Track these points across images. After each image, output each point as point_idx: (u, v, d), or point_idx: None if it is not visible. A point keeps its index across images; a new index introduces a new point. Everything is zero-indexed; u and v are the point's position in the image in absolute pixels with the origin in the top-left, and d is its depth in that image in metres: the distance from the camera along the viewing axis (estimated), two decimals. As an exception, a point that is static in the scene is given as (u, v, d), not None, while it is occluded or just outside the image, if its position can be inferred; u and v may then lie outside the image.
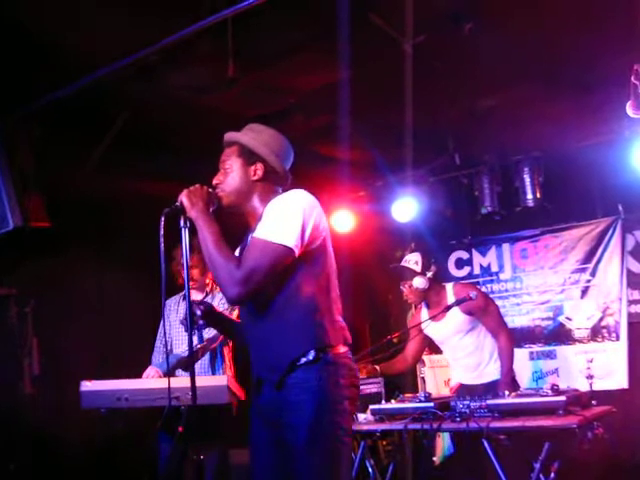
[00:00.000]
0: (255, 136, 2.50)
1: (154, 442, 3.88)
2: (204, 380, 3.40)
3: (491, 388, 4.11)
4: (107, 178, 4.85)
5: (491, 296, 5.15)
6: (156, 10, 3.43)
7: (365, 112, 4.55)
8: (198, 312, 2.51)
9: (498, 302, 5.11)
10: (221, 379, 3.49)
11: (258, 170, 2.46)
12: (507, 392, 3.71)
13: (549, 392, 3.54)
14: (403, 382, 5.77)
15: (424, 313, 4.53)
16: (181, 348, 4.03)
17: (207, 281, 4.15)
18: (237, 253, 2.46)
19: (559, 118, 5.08)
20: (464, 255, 6.69)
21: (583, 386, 4.12)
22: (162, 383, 3.47)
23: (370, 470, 4.20)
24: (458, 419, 3.59)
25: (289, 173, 2.55)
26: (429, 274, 4.37)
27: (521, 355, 6.05)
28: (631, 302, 5.85)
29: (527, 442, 3.53)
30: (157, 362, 4.03)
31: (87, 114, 4.35)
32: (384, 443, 4.80)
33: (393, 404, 4.00)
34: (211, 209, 2.40)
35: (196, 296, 4.10)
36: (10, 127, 4.18)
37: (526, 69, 4.35)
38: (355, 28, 3.47)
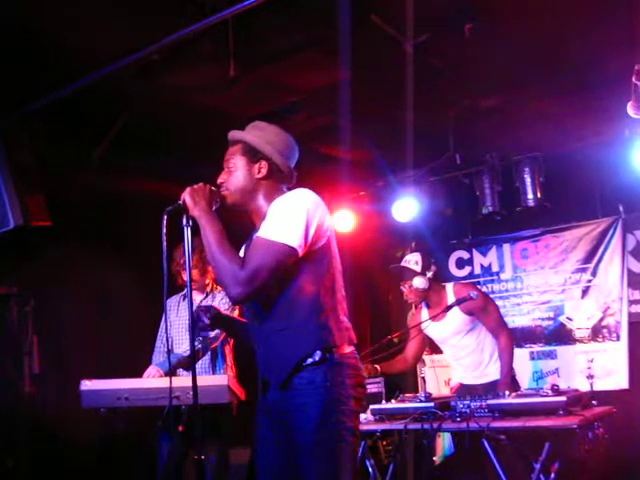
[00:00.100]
0: (259, 134, 2.46)
1: (154, 442, 3.87)
2: (205, 380, 3.38)
3: (491, 388, 4.10)
4: (107, 178, 4.85)
5: (492, 296, 5.16)
6: (156, 10, 3.44)
7: (366, 112, 4.56)
8: (206, 320, 2.47)
9: (499, 302, 5.12)
10: (222, 379, 3.47)
11: (262, 168, 2.42)
12: (507, 392, 3.71)
13: (549, 392, 3.54)
14: (403, 382, 5.77)
15: (424, 313, 4.53)
16: (182, 348, 4.02)
17: (207, 281, 4.14)
18: (242, 252, 2.44)
19: (560, 118, 5.08)
20: (465, 255, 6.68)
21: (584, 386, 4.12)
22: (162, 383, 3.48)
23: (370, 470, 4.19)
24: (458, 419, 3.59)
25: (294, 171, 2.51)
26: (429, 274, 4.36)
27: (521, 355, 6.04)
28: (632, 302, 5.84)
29: (527, 442, 3.52)
30: (158, 362, 4.01)
31: (87, 114, 4.35)
32: (384, 443, 4.79)
33: (393, 404, 4.00)
34: (214, 208, 2.37)
35: (196, 296, 4.10)
36: (11, 126, 4.19)
37: (526, 69, 4.36)
38: (356, 28, 3.47)
